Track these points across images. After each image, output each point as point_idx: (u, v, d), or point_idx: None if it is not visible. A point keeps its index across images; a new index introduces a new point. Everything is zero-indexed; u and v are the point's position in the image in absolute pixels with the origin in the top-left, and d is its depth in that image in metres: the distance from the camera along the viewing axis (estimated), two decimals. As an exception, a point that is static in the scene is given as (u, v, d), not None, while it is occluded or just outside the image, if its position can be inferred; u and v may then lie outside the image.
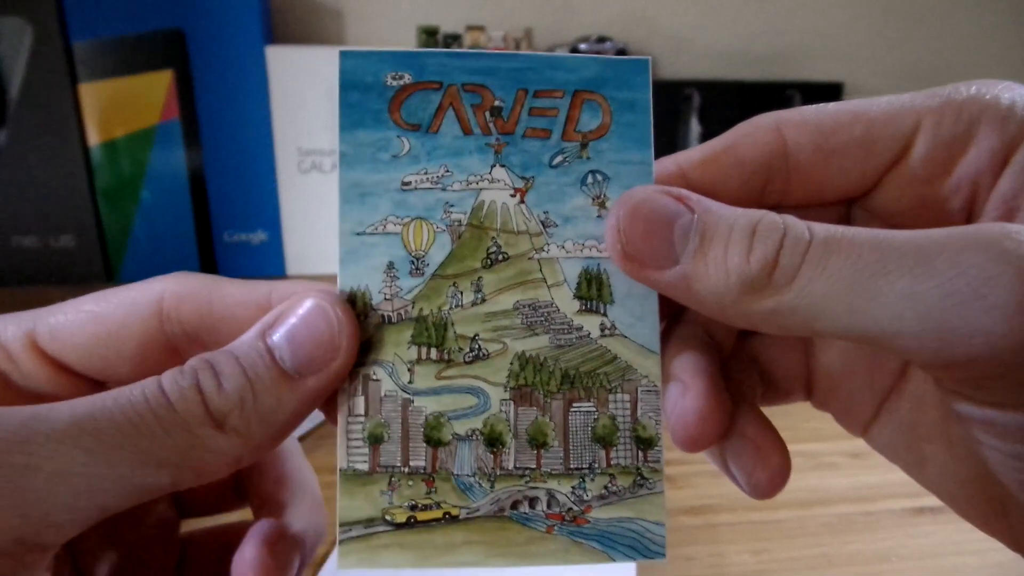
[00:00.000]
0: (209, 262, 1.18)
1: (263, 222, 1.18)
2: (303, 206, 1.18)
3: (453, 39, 1.20)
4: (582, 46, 1.21)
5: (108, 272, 1.15)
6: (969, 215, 0.16)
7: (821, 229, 0.14)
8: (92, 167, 1.10)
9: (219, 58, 1.10)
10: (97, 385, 0.18)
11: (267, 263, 1.20)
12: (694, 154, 0.17)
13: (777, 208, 0.16)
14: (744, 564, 0.63)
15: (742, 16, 1.39)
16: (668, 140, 1.27)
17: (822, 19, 1.40)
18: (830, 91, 1.28)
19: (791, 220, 0.14)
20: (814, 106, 0.17)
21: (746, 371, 0.19)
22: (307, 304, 0.15)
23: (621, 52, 1.23)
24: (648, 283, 0.16)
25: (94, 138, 1.10)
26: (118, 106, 1.09)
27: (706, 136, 1.27)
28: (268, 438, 0.15)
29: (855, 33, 1.42)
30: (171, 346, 0.18)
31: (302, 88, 1.13)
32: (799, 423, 1.09)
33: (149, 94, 1.10)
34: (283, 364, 0.15)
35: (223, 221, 1.17)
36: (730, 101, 1.26)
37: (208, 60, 1.11)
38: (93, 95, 1.08)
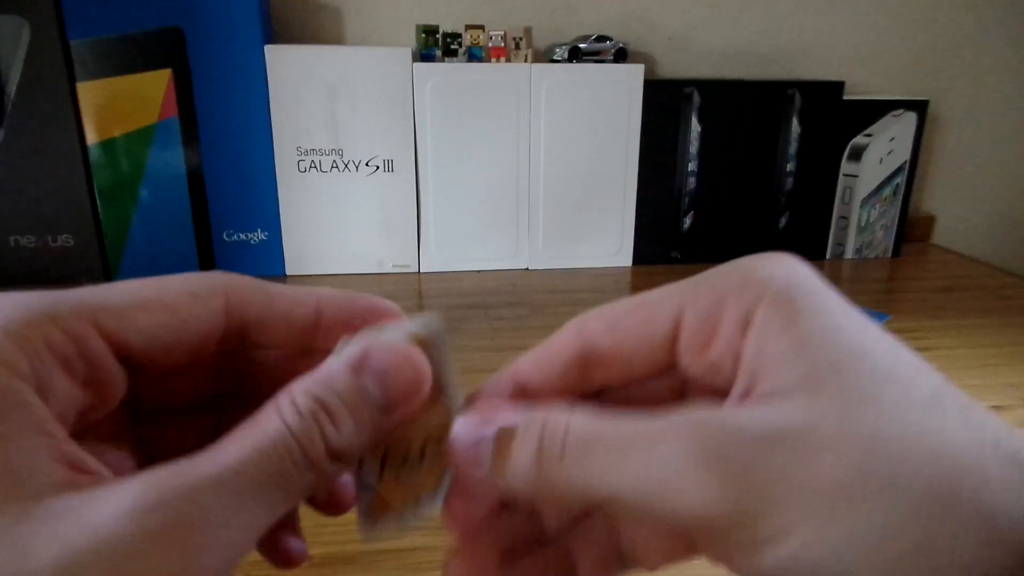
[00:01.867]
0: (208, 261, 1.17)
1: (262, 221, 1.18)
2: (302, 205, 1.18)
3: (452, 38, 1.19)
4: (582, 45, 1.21)
5: (106, 272, 1.15)
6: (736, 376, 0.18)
7: (578, 422, 0.17)
8: (90, 166, 1.10)
9: (218, 57, 1.10)
10: (144, 370, 0.18)
11: (266, 262, 1.20)
12: (524, 361, 0.20)
13: (605, 389, 0.20)
14: (744, 564, 0.63)
15: (742, 15, 1.38)
16: (668, 140, 1.27)
17: (822, 18, 1.40)
18: (830, 90, 1.27)
19: (553, 417, 0.17)
20: (610, 304, 0.20)
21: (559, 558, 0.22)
22: (397, 349, 0.17)
23: (621, 51, 1.23)
24: (475, 483, 0.18)
25: (92, 137, 1.09)
26: (116, 105, 1.09)
27: (706, 135, 1.27)
28: (350, 466, 0.17)
29: (855, 32, 1.42)
30: (225, 339, 0.19)
31: (301, 87, 1.13)
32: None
33: (147, 93, 1.10)
34: (377, 402, 0.17)
35: (222, 220, 1.17)
36: (730, 100, 1.26)
37: (207, 59, 1.10)
38: (91, 94, 1.08)
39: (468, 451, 0.18)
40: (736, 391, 0.17)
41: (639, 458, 0.15)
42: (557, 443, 0.17)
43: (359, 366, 0.17)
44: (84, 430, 0.16)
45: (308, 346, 0.19)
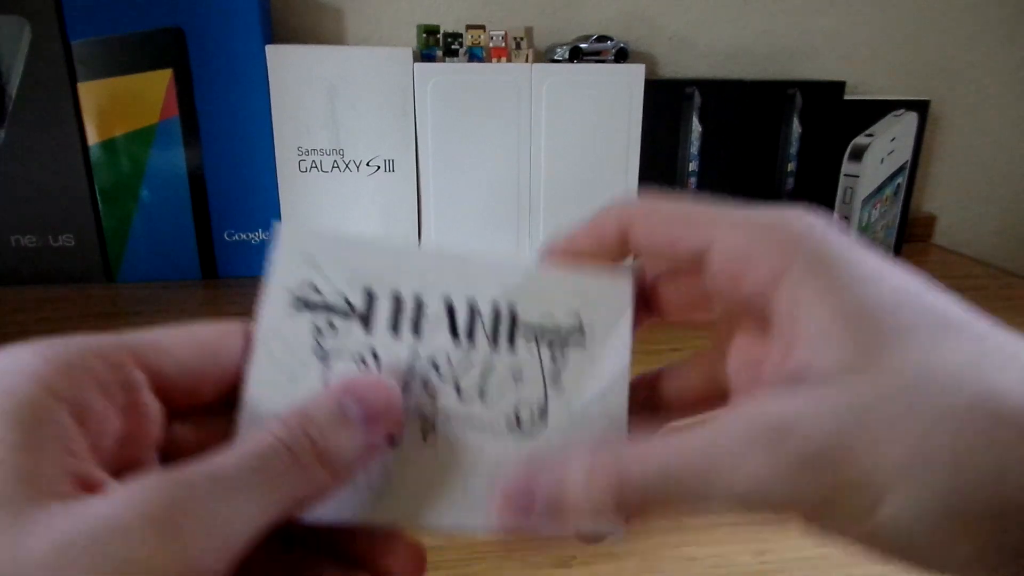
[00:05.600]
0: (209, 261, 1.17)
1: (263, 221, 1.18)
2: (303, 205, 1.18)
3: (453, 38, 1.19)
4: (583, 45, 1.21)
5: (107, 271, 1.15)
6: (768, 320, 0.19)
7: (641, 471, 0.18)
8: (91, 166, 1.10)
9: (219, 57, 1.10)
10: (176, 403, 0.19)
11: (267, 262, 1.20)
12: (574, 233, 0.22)
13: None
14: (745, 564, 0.63)
15: (743, 15, 1.38)
16: (669, 140, 1.27)
17: (823, 18, 1.40)
18: (831, 90, 1.27)
19: (629, 473, 0.18)
20: (653, 201, 0.21)
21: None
22: (368, 376, 0.19)
23: (622, 51, 1.23)
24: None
25: (93, 137, 1.09)
26: (117, 105, 1.09)
27: (706, 135, 1.27)
28: (344, 478, 0.18)
29: (856, 32, 1.42)
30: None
31: (302, 87, 1.13)
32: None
33: (148, 93, 1.10)
34: (357, 416, 0.18)
35: (223, 220, 1.17)
36: (731, 100, 1.26)
37: (208, 59, 1.10)
38: (92, 94, 1.08)
39: (514, 517, 0.19)
40: (776, 352, 0.18)
41: (724, 477, 0.17)
42: (636, 487, 0.18)
43: (336, 390, 0.18)
44: (124, 467, 0.17)
45: None
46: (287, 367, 0.20)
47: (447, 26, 1.22)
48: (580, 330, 0.21)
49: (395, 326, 0.20)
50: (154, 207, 1.13)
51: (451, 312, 0.20)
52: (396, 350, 0.20)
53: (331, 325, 0.20)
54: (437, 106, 1.18)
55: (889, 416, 0.15)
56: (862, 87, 1.43)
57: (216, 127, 1.13)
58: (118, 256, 1.14)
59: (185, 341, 0.19)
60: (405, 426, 0.20)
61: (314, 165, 1.16)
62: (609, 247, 0.21)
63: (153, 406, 0.19)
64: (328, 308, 0.20)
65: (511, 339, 0.20)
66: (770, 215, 0.19)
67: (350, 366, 0.20)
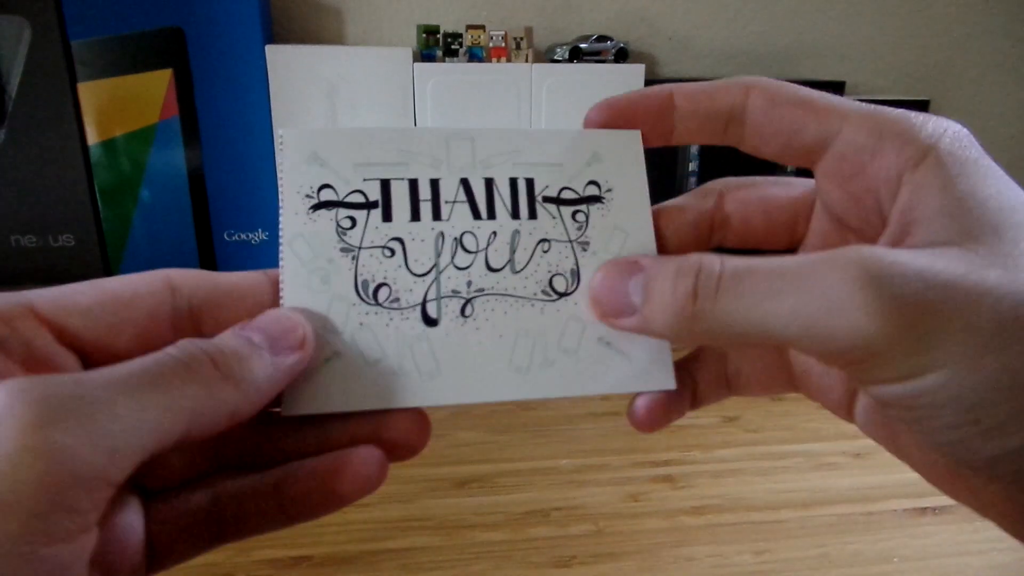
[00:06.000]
0: (209, 261, 1.17)
1: (263, 221, 1.18)
2: (303, 205, 1.17)
3: (453, 38, 1.19)
4: (583, 45, 1.21)
5: (107, 271, 1.15)
6: (881, 215, 0.19)
7: (731, 263, 0.18)
8: (91, 166, 1.10)
9: (219, 57, 1.10)
10: (93, 356, 0.19)
11: (266, 262, 1.20)
12: (685, 91, 0.20)
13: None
14: (745, 564, 0.63)
15: (743, 15, 1.38)
16: (668, 139, 1.27)
17: (823, 18, 1.40)
18: (831, 89, 1.27)
19: (707, 258, 0.18)
20: (775, 82, 0.20)
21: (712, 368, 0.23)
22: (272, 312, 0.19)
23: (622, 51, 1.23)
24: (621, 329, 0.20)
25: (93, 137, 1.09)
26: (117, 105, 1.09)
27: (706, 135, 1.27)
28: (257, 396, 0.18)
29: (856, 32, 1.42)
30: (174, 321, 0.20)
31: (302, 87, 1.13)
32: (800, 423, 1.09)
33: (148, 93, 1.10)
34: (262, 345, 0.18)
35: (223, 220, 1.17)
36: (730, 100, 1.26)
37: (208, 59, 1.10)
38: (92, 94, 1.08)
39: (612, 300, 0.20)
40: (885, 239, 0.18)
41: (800, 286, 0.16)
42: (713, 280, 0.17)
43: (240, 327, 0.18)
44: None
45: None
46: (317, 269, 0.20)
47: (447, 26, 1.22)
48: (598, 187, 0.21)
49: (415, 212, 0.20)
50: (154, 207, 1.13)
51: (469, 191, 0.20)
52: (420, 234, 0.20)
53: (352, 220, 0.20)
54: (437, 106, 1.18)
55: (979, 285, 0.15)
56: (862, 87, 1.43)
57: (216, 127, 1.13)
58: (118, 256, 1.14)
59: (90, 288, 0.19)
60: (442, 306, 0.20)
61: (314, 165, 1.16)
62: (714, 121, 0.20)
63: (64, 358, 0.18)
64: (345, 204, 0.20)
65: (532, 211, 0.21)
66: (902, 114, 0.18)
67: (377, 257, 0.20)
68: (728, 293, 0.17)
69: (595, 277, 0.20)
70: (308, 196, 0.20)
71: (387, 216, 0.20)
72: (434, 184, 0.20)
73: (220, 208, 1.15)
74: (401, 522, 0.74)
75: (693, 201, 0.22)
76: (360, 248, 0.20)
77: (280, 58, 1.11)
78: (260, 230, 1.15)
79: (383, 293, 0.20)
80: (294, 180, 0.20)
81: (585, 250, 0.21)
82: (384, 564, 0.60)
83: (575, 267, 0.21)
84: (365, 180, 0.20)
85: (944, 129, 0.18)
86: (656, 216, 0.22)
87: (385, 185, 0.20)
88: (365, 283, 0.20)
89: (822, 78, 1.38)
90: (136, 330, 0.19)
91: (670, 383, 0.20)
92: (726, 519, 0.70)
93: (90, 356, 0.19)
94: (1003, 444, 0.15)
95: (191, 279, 0.20)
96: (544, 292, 0.20)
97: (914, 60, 1.44)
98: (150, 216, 1.13)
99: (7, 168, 1.08)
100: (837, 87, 1.26)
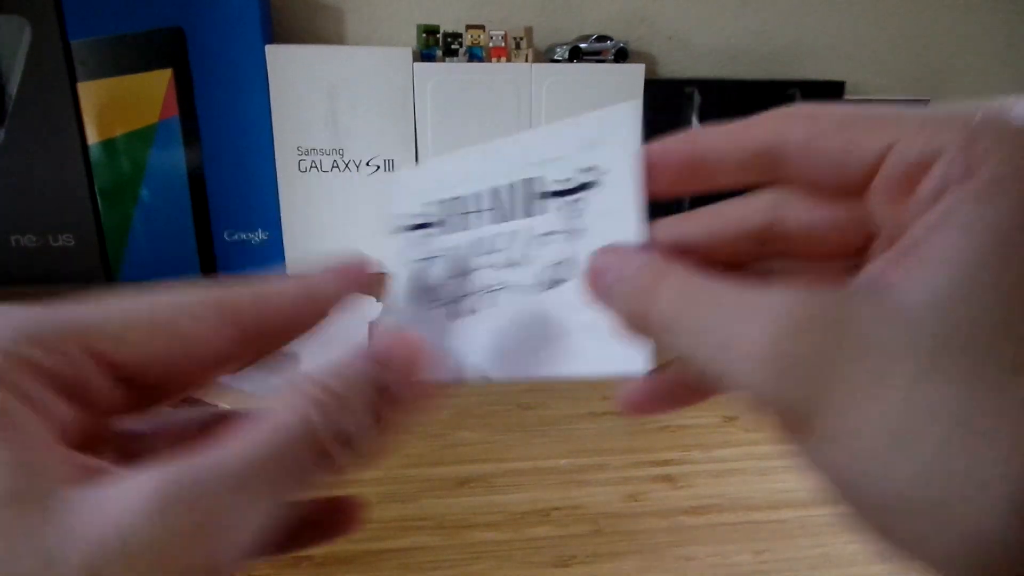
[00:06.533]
0: (209, 261, 1.18)
1: (263, 221, 1.18)
2: (303, 205, 1.18)
3: (453, 38, 1.19)
4: (582, 45, 1.21)
5: (107, 271, 1.15)
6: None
7: (687, 277, 0.17)
8: (91, 166, 1.10)
9: (219, 57, 1.10)
10: (137, 382, 0.18)
11: (267, 262, 1.20)
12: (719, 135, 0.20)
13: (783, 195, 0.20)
14: (745, 564, 0.63)
15: (743, 15, 1.38)
16: (668, 139, 1.27)
17: (823, 18, 1.40)
18: (831, 89, 1.27)
19: (673, 267, 0.17)
20: (815, 106, 0.19)
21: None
22: (393, 334, 0.18)
23: (622, 51, 1.23)
24: (600, 311, 0.22)
25: (93, 137, 1.09)
26: (117, 105, 1.09)
27: (706, 135, 1.27)
28: (375, 450, 0.16)
29: (856, 32, 1.42)
30: (230, 346, 0.19)
31: (302, 87, 1.13)
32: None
33: (148, 93, 1.10)
34: (381, 382, 0.17)
35: (223, 220, 1.17)
36: (730, 100, 1.26)
37: (208, 59, 1.10)
38: (92, 94, 1.08)
39: (595, 285, 0.21)
40: (881, 245, 0.17)
41: (721, 328, 0.16)
42: (668, 288, 0.17)
43: (360, 354, 0.17)
44: (84, 443, 0.16)
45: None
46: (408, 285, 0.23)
47: (447, 26, 1.22)
48: (594, 172, 0.23)
49: (463, 224, 0.23)
50: (154, 207, 1.13)
51: (481, 199, 0.23)
52: (454, 245, 0.23)
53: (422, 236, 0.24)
54: (437, 106, 1.18)
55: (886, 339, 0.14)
56: (862, 87, 1.43)
57: (216, 127, 1.13)
58: (118, 256, 1.14)
59: (146, 321, 0.17)
60: (478, 301, 0.22)
61: (314, 165, 1.16)
62: (752, 157, 0.19)
63: (109, 393, 0.17)
64: (416, 227, 0.24)
65: (537, 207, 0.23)
66: (959, 118, 0.16)
67: (431, 265, 0.23)
68: (667, 300, 0.17)
69: (589, 261, 0.21)
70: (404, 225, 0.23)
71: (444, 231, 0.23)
72: (462, 200, 0.23)
73: (220, 208, 1.15)
74: (401, 522, 0.74)
75: (743, 205, 0.21)
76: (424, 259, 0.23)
77: (280, 58, 1.11)
78: (260, 230, 1.15)
79: (431, 294, 0.22)
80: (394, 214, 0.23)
81: (581, 237, 0.22)
82: (384, 564, 0.60)
83: (573, 256, 0.23)
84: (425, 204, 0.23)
85: (1003, 142, 0.16)
86: (697, 219, 0.22)
87: (444, 205, 0.23)
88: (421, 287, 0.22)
89: (822, 78, 1.38)
90: (190, 365, 0.18)
91: (642, 368, 0.21)
92: (726, 519, 0.70)
93: (133, 381, 0.18)
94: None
95: (249, 306, 0.18)
96: (551, 284, 0.22)
97: (914, 60, 1.44)
98: (150, 216, 1.13)
99: (7, 168, 1.08)
100: (837, 87, 1.26)
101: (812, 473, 0.15)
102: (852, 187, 0.16)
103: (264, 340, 0.20)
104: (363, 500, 0.20)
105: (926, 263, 0.13)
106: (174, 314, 0.18)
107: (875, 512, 0.14)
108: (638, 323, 0.18)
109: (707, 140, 0.19)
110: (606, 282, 0.20)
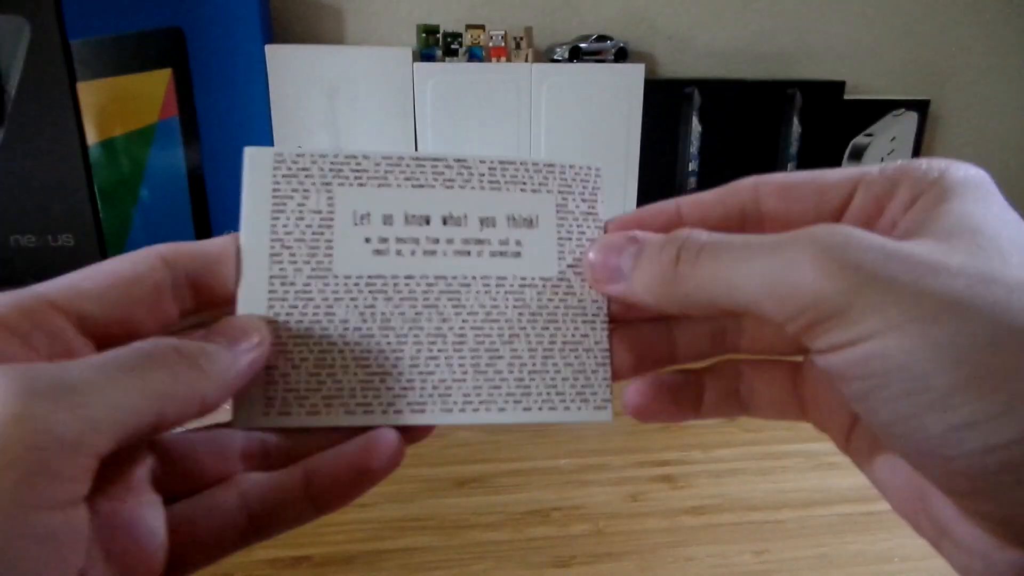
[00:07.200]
0: (208, 261, 1.18)
1: (262, 221, 1.18)
2: (303, 205, 1.17)
3: (453, 38, 1.19)
4: (582, 45, 1.21)
5: (107, 271, 1.15)
6: None
7: (715, 236, 0.19)
8: (91, 166, 1.10)
9: (218, 57, 1.10)
10: (108, 340, 0.20)
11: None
12: (688, 201, 0.23)
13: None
14: (745, 564, 0.63)
15: (743, 15, 1.38)
16: (669, 139, 1.27)
17: (823, 18, 1.40)
18: (831, 89, 1.27)
19: (694, 232, 0.20)
20: (782, 173, 0.22)
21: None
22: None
23: (621, 51, 1.23)
24: (609, 294, 0.23)
25: (93, 137, 1.09)
26: (117, 104, 1.09)
27: (706, 135, 1.26)
28: (221, 383, 0.19)
29: (856, 32, 1.42)
30: (175, 293, 0.21)
31: (301, 87, 1.13)
32: (800, 423, 1.09)
33: (148, 92, 1.10)
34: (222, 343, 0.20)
35: (222, 220, 1.17)
36: (730, 100, 1.26)
37: (207, 58, 1.10)
38: (92, 93, 1.08)
39: (605, 266, 0.22)
40: None
41: (770, 252, 0.17)
42: (695, 247, 0.19)
43: (201, 334, 0.20)
44: None
45: None
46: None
47: (447, 26, 1.22)
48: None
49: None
50: (153, 206, 1.13)
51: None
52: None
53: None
54: (437, 106, 1.18)
55: (938, 263, 0.16)
56: (862, 87, 1.43)
57: (216, 127, 1.13)
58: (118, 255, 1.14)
59: (96, 277, 0.20)
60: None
61: (314, 165, 1.16)
62: (729, 222, 0.22)
63: (84, 347, 0.19)
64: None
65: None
66: (917, 161, 0.19)
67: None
68: (706, 258, 0.19)
69: (593, 245, 0.23)
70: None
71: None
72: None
73: (220, 208, 1.15)
74: (401, 522, 0.74)
75: (721, 194, 0.23)
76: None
77: (280, 58, 1.11)
78: (260, 230, 1.15)
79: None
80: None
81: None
82: (384, 564, 0.60)
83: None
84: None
85: (957, 168, 0.20)
86: (679, 208, 0.24)
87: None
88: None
89: (822, 78, 1.38)
90: (146, 308, 0.20)
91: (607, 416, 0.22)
92: (726, 519, 0.70)
93: (104, 340, 0.20)
94: (949, 419, 0.15)
95: (181, 252, 0.21)
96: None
97: (914, 60, 1.44)
98: (150, 216, 1.13)
99: (7, 168, 1.08)
100: (837, 87, 1.26)
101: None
102: (827, 216, 0.20)
103: (199, 285, 0.22)
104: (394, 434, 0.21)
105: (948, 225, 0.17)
106: (118, 265, 0.20)
107: (905, 399, 0.15)
108: (670, 292, 0.20)
109: (685, 209, 0.22)
110: (620, 268, 0.21)
